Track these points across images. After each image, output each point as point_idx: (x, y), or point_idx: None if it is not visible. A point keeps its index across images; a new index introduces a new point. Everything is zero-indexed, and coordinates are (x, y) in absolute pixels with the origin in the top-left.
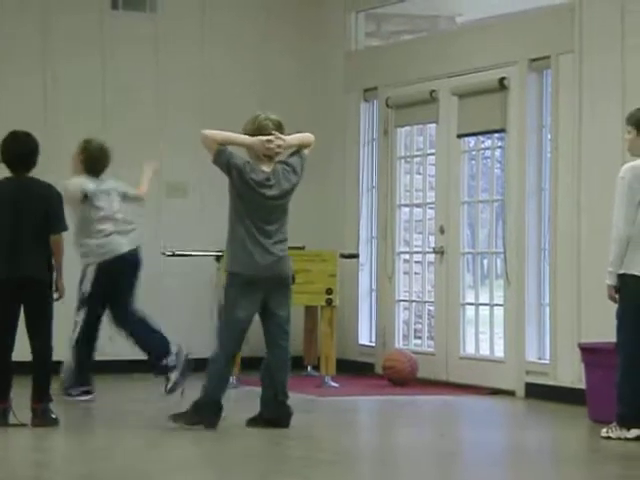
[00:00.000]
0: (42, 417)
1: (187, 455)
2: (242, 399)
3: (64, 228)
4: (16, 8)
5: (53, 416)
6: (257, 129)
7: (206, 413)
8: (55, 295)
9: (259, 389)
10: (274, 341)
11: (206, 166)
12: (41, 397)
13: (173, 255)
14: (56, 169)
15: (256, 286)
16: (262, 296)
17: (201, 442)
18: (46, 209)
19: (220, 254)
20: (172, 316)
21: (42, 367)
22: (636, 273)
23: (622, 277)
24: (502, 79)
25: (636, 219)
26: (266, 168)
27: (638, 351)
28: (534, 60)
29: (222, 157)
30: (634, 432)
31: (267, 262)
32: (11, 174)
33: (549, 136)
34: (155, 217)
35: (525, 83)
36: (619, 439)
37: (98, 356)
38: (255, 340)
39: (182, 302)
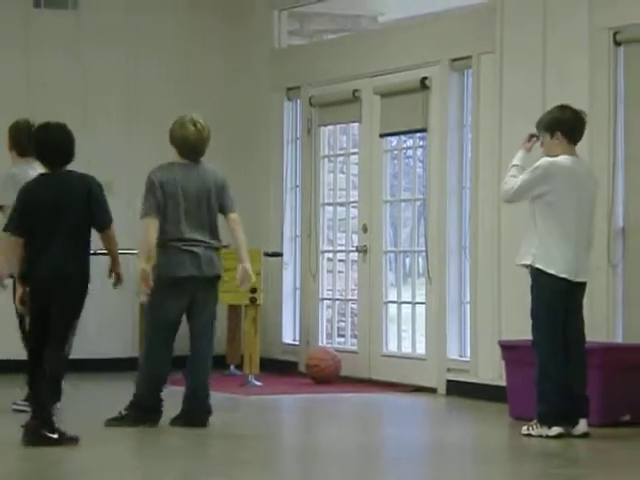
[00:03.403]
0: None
1: (109, 455)
2: (166, 398)
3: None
4: None
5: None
6: (181, 136)
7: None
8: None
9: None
10: (198, 338)
11: (130, 165)
12: None
13: (95, 254)
14: None
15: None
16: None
17: (123, 441)
18: (88, 204)
19: None
20: (94, 315)
21: None
22: (552, 272)
23: (537, 273)
24: (424, 79)
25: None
26: None
27: (555, 349)
28: (455, 60)
29: None
30: (555, 430)
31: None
32: (47, 169)
33: (470, 135)
34: None
35: (446, 83)
36: (540, 437)
37: None
38: (180, 339)
39: (104, 301)
